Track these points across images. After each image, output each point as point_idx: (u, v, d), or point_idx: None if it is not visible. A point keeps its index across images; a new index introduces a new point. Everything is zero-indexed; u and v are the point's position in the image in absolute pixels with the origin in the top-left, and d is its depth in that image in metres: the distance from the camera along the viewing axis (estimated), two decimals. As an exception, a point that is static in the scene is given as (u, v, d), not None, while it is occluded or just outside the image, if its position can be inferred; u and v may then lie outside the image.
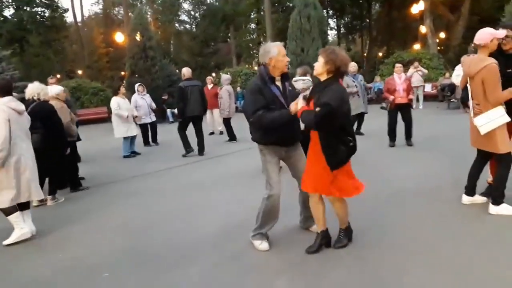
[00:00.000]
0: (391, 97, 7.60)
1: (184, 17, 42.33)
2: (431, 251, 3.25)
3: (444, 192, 4.58)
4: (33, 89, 5.35)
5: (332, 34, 44.19)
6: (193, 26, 39.60)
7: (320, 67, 3.01)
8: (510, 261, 2.98)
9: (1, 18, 31.63)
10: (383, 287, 2.76)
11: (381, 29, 39.92)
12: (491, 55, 3.77)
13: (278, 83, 3.35)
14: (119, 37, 24.22)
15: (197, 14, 38.81)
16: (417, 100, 14.95)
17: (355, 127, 9.03)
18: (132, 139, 9.12)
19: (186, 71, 8.61)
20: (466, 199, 4.23)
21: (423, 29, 25.67)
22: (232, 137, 10.16)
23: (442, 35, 30.38)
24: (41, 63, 31.50)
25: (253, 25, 44.81)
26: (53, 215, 5.14)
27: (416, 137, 7.98)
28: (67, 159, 5.95)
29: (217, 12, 35.78)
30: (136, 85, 10.44)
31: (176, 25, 41.57)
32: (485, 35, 3.71)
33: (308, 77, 6.67)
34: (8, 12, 33.05)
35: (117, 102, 8.76)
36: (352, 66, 9.08)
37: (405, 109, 7.66)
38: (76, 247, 4.01)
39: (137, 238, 4.08)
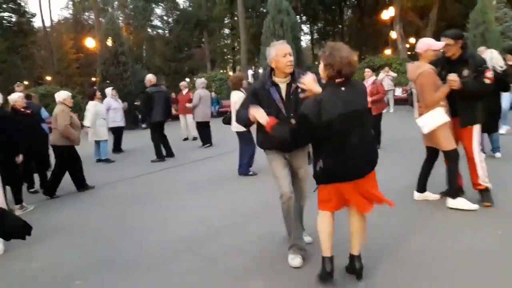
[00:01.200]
0: None
1: (156, 22, 41.98)
2: (399, 246, 3.35)
3: (411, 193, 4.68)
4: None
5: (305, 40, 44.84)
6: (166, 31, 39.25)
7: (321, 72, 2.73)
8: (468, 253, 3.13)
9: (-35, 23, 30.56)
10: (355, 282, 2.81)
11: (353, 34, 40.79)
12: (439, 61, 4.12)
13: (284, 85, 3.11)
14: (90, 43, 23.78)
15: (170, 19, 38.51)
16: (388, 104, 15.29)
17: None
18: (103, 144, 9.05)
19: (152, 77, 8.86)
20: (416, 195, 4.52)
21: (393, 34, 26.39)
22: (205, 141, 10.08)
23: (412, 40, 31.29)
24: (7, 69, 30.47)
25: (227, 30, 44.91)
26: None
27: (385, 140, 8.15)
28: (64, 164, 6.15)
29: (191, 17, 35.62)
30: (109, 89, 10.36)
31: (149, 30, 41.16)
32: (421, 45, 4.05)
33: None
34: (-27, 17, 32.00)
35: (96, 107, 8.90)
36: None
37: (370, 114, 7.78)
38: (47, 255, 3.89)
39: (110, 245, 3.99)
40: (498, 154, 6.28)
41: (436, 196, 4.44)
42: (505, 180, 4.97)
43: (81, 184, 6.44)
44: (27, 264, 3.71)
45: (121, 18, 39.51)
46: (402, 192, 4.83)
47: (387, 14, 24.67)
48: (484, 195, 4.14)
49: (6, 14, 33.46)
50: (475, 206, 4.02)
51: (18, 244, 4.15)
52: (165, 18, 40.04)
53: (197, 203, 5.26)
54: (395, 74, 15.64)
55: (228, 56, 45.18)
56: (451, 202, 4.09)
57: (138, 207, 5.31)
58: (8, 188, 5.16)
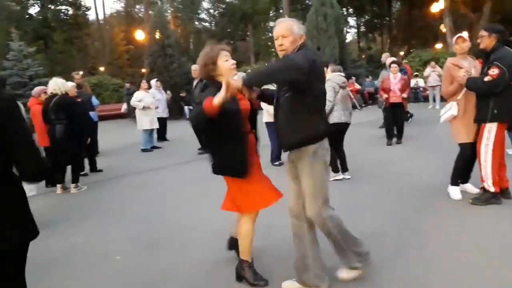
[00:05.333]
0: (385, 96, 7.75)
1: (203, 15, 42.78)
2: (425, 243, 3.37)
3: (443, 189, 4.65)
4: (52, 84, 5.87)
5: (352, 32, 44.02)
6: (212, 24, 39.92)
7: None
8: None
9: (27, 16, 32.74)
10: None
11: (401, 27, 39.50)
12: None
13: None
14: (139, 35, 24.74)
15: (216, 13, 39.10)
16: (434, 100, 14.85)
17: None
18: (151, 132, 9.59)
19: None
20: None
21: (444, 28, 25.35)
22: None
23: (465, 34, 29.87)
24: (64, 59, 32.40)
25: (271, 24, 44.90)
26: (69, 203, 5.48)
27: (425, 136, 8.03)
28: None
29: (236, 10, 36.04)
30: (153, 80, 10.90)
31: (196, 23, 42.01)
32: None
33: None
34: (34, 10, 34.21)
35: (139, 96, 9.37)
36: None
37: (398, 108, 7.86)
38: (89, 233, 4.26)
39: (147, 226, 4.31)
40: None
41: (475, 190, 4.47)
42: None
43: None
44: (69, 240, 4.07)
45: (169, 11, 40.65)
46: (433, 187, 4.83)
47: (437, 6, 23.72)
48: (480, 193, 4.21)
49: (63, 7, 35.50)
50: (458, 197, 4.32)
51: (61, 220, 4.63)
52: (211, 11, 40.70)
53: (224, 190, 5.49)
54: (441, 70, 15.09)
55: (272, 49, 45.17)
56: (449, 188, 4.45)
57: (172, 194, 5.64)
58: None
